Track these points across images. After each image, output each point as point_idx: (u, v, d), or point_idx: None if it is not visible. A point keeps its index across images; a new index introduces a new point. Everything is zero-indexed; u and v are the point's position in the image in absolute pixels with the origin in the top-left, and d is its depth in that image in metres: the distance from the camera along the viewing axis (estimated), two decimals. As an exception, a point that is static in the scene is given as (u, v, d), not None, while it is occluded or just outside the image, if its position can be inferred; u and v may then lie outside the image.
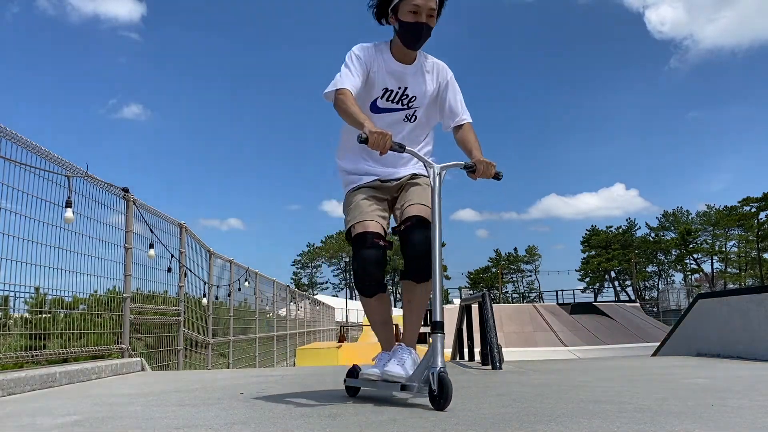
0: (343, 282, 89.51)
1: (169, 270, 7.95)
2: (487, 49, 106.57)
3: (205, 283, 10.11)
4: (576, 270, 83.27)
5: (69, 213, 5.28)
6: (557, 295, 46.81)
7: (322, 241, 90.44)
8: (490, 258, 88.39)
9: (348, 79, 2.88)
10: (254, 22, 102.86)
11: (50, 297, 5.45)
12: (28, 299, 5.17)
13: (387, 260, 3.00)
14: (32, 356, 4.97)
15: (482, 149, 3.13)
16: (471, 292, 64.55)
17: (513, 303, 61.39)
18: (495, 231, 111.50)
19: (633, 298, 58.38)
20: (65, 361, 5.54)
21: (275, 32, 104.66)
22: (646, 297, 75.39)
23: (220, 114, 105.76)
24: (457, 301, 37.36)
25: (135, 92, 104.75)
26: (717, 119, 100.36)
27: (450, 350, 9.26)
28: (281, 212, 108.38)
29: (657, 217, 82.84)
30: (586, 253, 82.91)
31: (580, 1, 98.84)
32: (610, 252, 79.51)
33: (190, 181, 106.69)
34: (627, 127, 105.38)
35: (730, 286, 73.52)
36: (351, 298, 74.56)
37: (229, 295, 11.78)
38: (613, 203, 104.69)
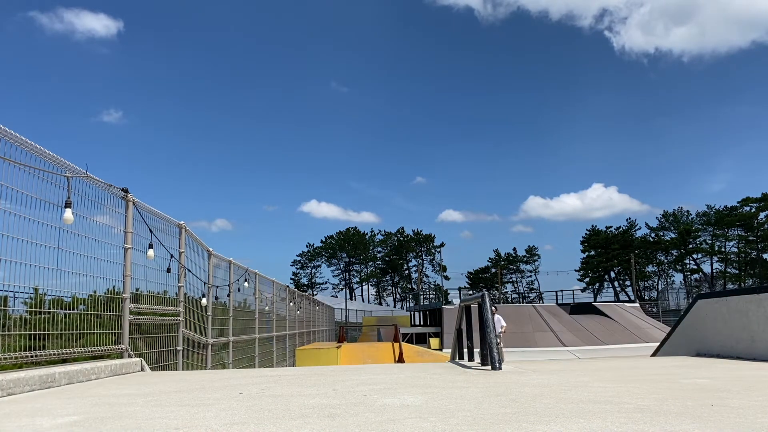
0: (343, 282, 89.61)
1: (169, 270, 7.95)
2: (465, 62, 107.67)
3: (204, 283, 10.11)
4: (576, 270, 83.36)
5: (68, 213, 5.27)
6: (557, 295, 46.75)
7: (322, 242, 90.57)
8: (490, 258, 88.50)
9: None
10: (234, 24, 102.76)
11: (49, 297, 5.44)
12: (27, 300, 5.17)
13: None
14: (32, 357, 4.96)
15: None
16: (471, 292, 64.55)
17: (513, 303, 61.40)
18: (478, 232, 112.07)
19: (633, 298, 58.31)
20: (65, 361, 5.54)
21: (253, 37, 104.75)
22: (646, 297, 75.31)
23: (201, 117, 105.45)
24: (456, 302, 37.38)
25: (115, 98, 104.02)
26: (709, 121, 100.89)
27: (450, 350, 9.25)
28: (264, 213, 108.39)
29: (657, 217, 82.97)
30: (586, 253, 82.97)
31: (552, 18, 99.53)
32: (609, 252, 79.54)
33: (174, 183, 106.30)
34: (606, 130, 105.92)
35: (730, 286, 73.49)
36: (350, 299, 74.51)
37: (228, 296, 11.78)
38: (596, 202, 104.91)
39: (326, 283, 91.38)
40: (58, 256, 5.32)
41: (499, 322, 13.15)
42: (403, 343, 14.82)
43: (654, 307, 57.80)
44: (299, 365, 13.99)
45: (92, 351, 5.90)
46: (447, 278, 78.99)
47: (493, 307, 13.14)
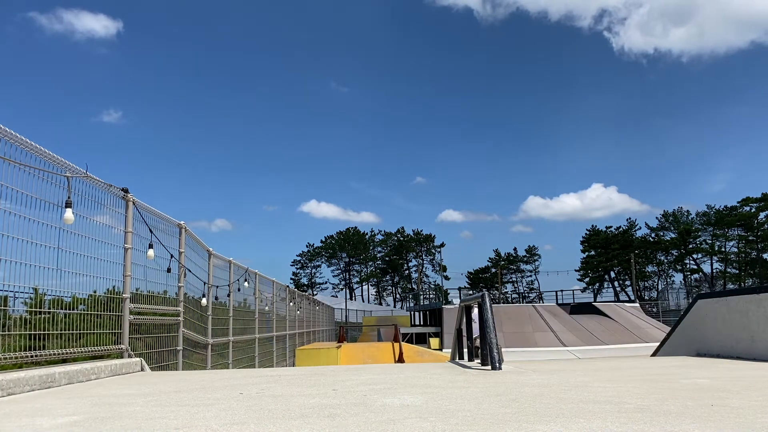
0: (343, 282, 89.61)
1: (169, 270, 7.94)
2: (465, 62, 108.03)
3: (204, 283, 10.11)
4: (576, 270, 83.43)
5: (69, 213, 5.27)
6: (557, 295, 46.79)
7: (322, 242, 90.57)
8: (490, 258, 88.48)
9: None
10: (234, 24, 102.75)
11: (49, 297, 5.44)
12: (27, 300, 5.17)
13: None
14: (32, 357, 4.96)
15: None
16: (471, 292, 64.54)
17: (513, 303, 61.40)
18: (478, 232, 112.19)
19: (633, 298, 58.30)
20: (65, 361, 5.54)
21: (253, 37, 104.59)
22: (646, 297, 75.27)
23: (201, 117, 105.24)
24: (456, 302, 37.37)
25: (115, 99, 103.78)
26: (709, 121, 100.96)
27: (450, 350, 9.26)
28: (264, 213, 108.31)
29: (657, 217, 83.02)
30: (586, 253, 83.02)
31: (552, 19, 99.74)
32: (609, 252, 79.57)
33: (174, 183, 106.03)
34: (606, 130, 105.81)
35: (730, 286, 73.45)
36: (350, 299, 74.46)
37: (228, 296, 11.78)
38: (595, 202, 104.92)
39: (326, 283, 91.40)
40: (58, 256, 5.32)
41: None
42: (403, 343, 14.81)
43: (654, 307, 57.79)
44: (299, 365, 13.98)
45: (92, 351, 5.90)
46: (447, 278, 78.99)
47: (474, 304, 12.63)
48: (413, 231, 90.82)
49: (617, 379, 4.31)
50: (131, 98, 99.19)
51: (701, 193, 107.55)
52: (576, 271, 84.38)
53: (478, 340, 11.90)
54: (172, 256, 8.06)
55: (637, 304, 38.73)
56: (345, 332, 20.79)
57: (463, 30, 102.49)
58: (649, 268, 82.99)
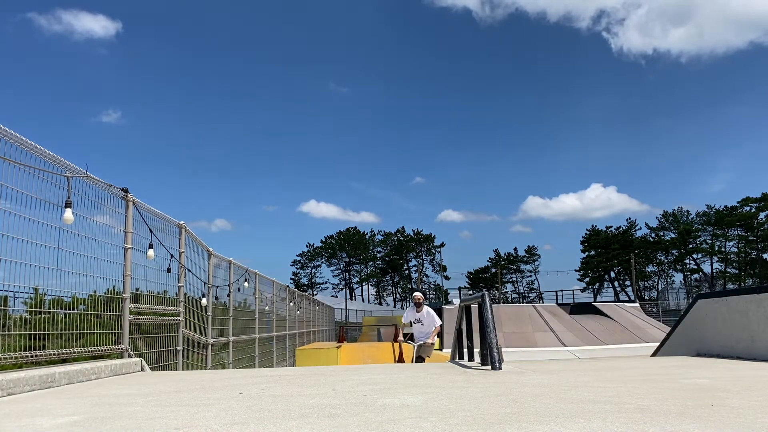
0: (343, 282, 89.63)
1: (169, 270, 7.94)
2: (464, 63, 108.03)
3: (204, 283, 10.10)
4: (576, 270, 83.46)
5: (68, 213, 5.27)
6: (557, 295, 46.92)
7: (321, 242, 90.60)
8: (490, 258, 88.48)
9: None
10: (233, 24, 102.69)
11: (49, 297, 5.44)
12: (27, 300, 5.17)
13: None
14: (32, 357, 4.96)
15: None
16: (471, 292, 64.51)
17: (513, 303, 61.42)
18: (478, 232, 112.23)
19: (633, 298, 58.26)
20: (65, 361, 5.53)
21: (252, 37, 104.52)
22: (646, 297, 75.25)
23: (200, 117, 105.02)
24: (456, 302, 37.35)
25: (114, 99, 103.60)
26: (708, 121, 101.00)
27: (450, 350, 9.26)
28: (264, 213, 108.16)
29: (657, 217, 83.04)
30: (586, 253, 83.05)
31: (551, 20, 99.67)
32: (609, 252, 79.59)
33: (174, 183, 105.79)
34: (605, 131, 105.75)
35: (730, 286, 73.45)
36: (350, 299, 74.45)
37: (228, 296, 11.77)
38: (595, 202, 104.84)
39: (326, 283, 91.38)
40: (58, 256, 5.32)
41: (433, 321, 10.28)
42: (403, 343, 14.80)
43: (654, 307, 57.76)
44: (299, 365, 13.96)
45: (92, 351, 5.89)
46: (447, 278, 78.95)
47: (426, 303, 10.66)
48: (413, 231, 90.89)
49: (617, 379, 4.31)
50: (130, 98, 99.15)
51: (701, 193, 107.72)
52: (576, 271, 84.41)
53: (421, 347, 9.85)
54: (172, 256, 8.06)
55: (637, 304, 38.70)
56: (345, 332, 20.78)
57: (462, 31, 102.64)
58: (649, 268, 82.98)
